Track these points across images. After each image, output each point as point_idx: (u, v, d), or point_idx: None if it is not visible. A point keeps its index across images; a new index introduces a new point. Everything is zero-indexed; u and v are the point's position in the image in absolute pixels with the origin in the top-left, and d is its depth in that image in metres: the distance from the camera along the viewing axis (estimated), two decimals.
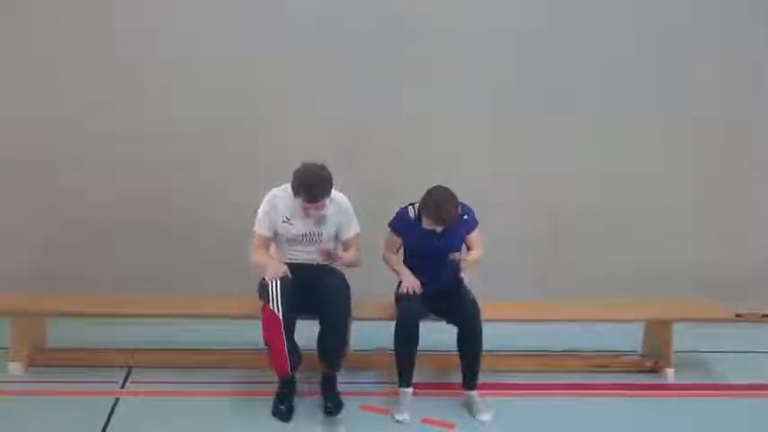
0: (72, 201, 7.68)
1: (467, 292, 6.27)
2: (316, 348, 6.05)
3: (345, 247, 6.31)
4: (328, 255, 6.18)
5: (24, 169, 7.63)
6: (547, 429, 6.04)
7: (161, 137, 7.59)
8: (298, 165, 6.00)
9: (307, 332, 6.08)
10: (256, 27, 7.51)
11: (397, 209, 6.35)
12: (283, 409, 6.01)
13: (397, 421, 5.99)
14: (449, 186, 6.09)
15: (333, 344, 6.02)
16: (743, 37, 7.78)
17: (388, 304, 6.36)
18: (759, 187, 8.06)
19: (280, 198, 6.13)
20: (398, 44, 7.59)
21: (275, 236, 6.20)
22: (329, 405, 5.98)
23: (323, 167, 5.99)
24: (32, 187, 7.69)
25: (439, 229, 6.08)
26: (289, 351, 5.89)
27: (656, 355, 6.86)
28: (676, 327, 6.72)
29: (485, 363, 6.21)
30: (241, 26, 7.50)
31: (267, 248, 6.23)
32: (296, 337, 5.98)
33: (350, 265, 6.32)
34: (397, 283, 6.39)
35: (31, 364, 6.56)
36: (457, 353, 6.20)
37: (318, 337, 6.04)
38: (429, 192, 6.08)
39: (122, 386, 6.38)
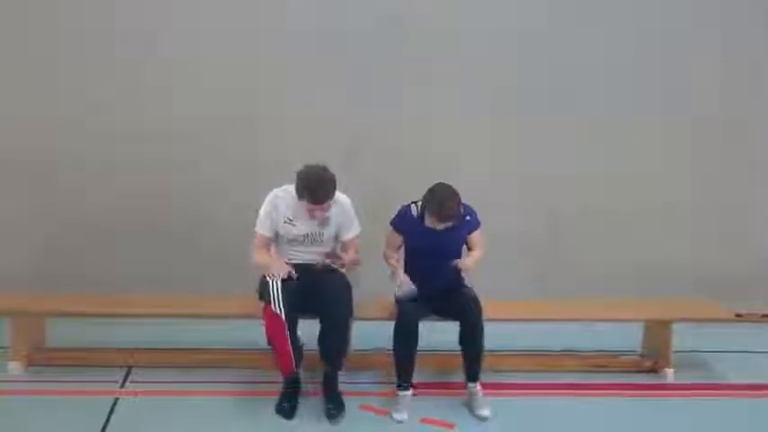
0: (72, 201, 7.68)
1: (468, 289, 6.29)
2: (317, 348, 6.06)
3: (345, 248, 6.32)
4: (335, 258, 6.20)
5: (24, 169, 7.63)
6: (546, 429, 6.05)
7: (161, 137, 7.59)
8: (298, 165, 6.00)
9: (308, 331, 6.09)
10: (256, 27, 7.51)
11: (397, 209, 6.34)
12: (287, 407, 6.04)
13: (396, 421, 5.99)
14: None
15: (334, 344, 6.03)
16: (743, 37, 7.76)
17: (388, 304, 6.36)
18: (759, 187, 8.05)
19: (281, 198, 6.14)
20: (398, 44, 7.58)
21: (276, 236, 6.21)
22: (330, 407, 6.00)
23: (325, 169, 6.00)
24: (32, 187, 7.69)
25: (441, 226, 6.08)
26: (292, 350, 5.89)
27: (655, 355, 6.86)
28: (676, 327, 6.72)
29: (484, 362, 6.20)
30: (241, 26, 7.50)
31: (268, 249, 6.24)
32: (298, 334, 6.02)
33: (350, 267, 6.32)
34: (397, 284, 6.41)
35: (30, 363, 6.57)
36: (457, 352, 6.20)
37: (319, 336, 6.05)
38: (432, 189, 6.08)
39: (122, 386, 6.39)
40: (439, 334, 6.28)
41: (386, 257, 6.39)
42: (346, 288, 6.21)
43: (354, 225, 6.29)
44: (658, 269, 7.91)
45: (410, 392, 6.14)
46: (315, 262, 6.22)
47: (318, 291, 6.04)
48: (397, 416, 6.02)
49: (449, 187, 6.07)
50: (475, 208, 6.32)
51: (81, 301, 6.63)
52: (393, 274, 6.32)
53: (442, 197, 6.02)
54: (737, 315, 7.05)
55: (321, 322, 6.04)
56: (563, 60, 7.68)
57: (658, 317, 6.80)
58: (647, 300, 7.06)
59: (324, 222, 6.14)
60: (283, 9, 7.53)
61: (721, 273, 7.87)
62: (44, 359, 6.65)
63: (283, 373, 6.06)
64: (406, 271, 6.35)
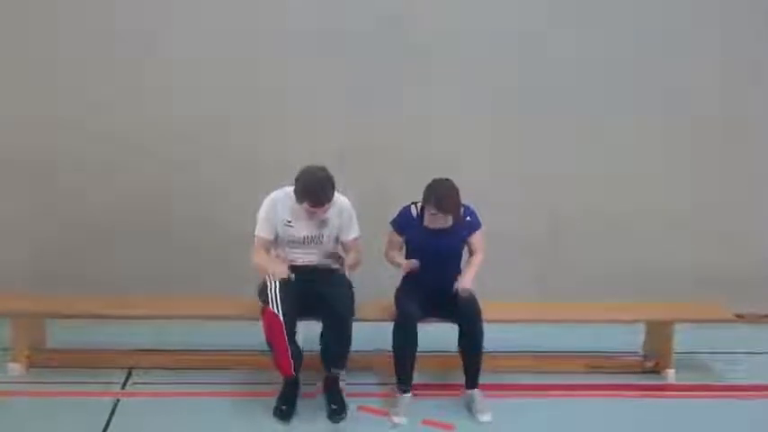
0: (72, 201, 7.67)
1: (466, 290, 6.29)
2: (318, 349, 6.07)
3: (345, 249, 6.33)
4: (336, 258, 6.21)
5: (24, 169, 7.62)
6: (547, 430, 6.05)
7: (161, 137, 7.59)
8: (298, 165, 6.01)
9: (308, 333, 6.08)
10: (256, 27, 7.50)
11: (397, 209, 6.35)
12: (284, 410, 6.02)
13: (394, 425, 5.98)
14: None
15: (335, 345, 6.03)
16: (743, 37, 7.76)
17: (388, 305, 6.36)
18: (759, 187, 8.06)
19: (280, 201, 6.14)
20: (398, 44, 7.57)
21: (276, 238, 6.20)
22: (334, 407, 6.00)
23: (324, 170, 6.00)
24: (32, 187, 7.67)
25: (441, 221, 6.07)
26: (291, 352, 5.89)
27: (656, 356, 6.86)
28: (677, 327, 6.73)
29: (484, 363, 6.21)
30: (241, 26, 7.48)
31: (268, 251, 6.24)
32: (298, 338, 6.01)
33: (350, 268, 6.32)
34: (398, 285, 6.41)
35: (31, 364, 6.57)
36: (457, 353, 6.21)
37: (321, 338, 6.06)
38: (430, 184, 6.10)
39: (123, 387, 6.40)
40: (439, 334, 6.28)
41: (389, 258, 6.39)
42: (347, 289, 6.22)
43: (354, 226, 6.29)
44: (658, 269, 7.91)
45: (410, 395, 6.14)
46: (315, 264, 6.22)
47: (319, 292, 6.03)
48: (395, 419, 6.01)
49: (447, 181, 6.09)
50: (475, 208, 6.31)
51: (81, 301, 6.64)
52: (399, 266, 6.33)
53: (441, 190, 6.05)
54: (738, 315, 7.04)
55: (323, 324, 6.05)
56: (563, 60, 7.68)
57: (659, 318, 6.80)
58: (648, 301, 7.04)
59: (323, 224, 6.14)
60: (283, 9, 7.52)
61: (722, 273, 7.86)
62: (45, 360, 6.65)
63: (282, 373, 6.05)
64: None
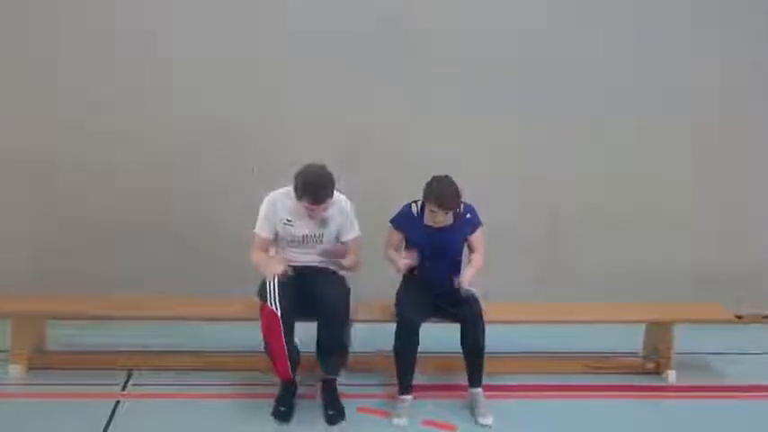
0: (72, 201, 7.67)
1: (467, 290, 6.30)
2: (315, 352, 6.07)
3: (345, 249, 6.32)
4: (336, 254, 6.20)
5: (24, 169, 7.62)
6: (547, 431, 6.05)
7: (161, 137, 7.59)
8: (298, 165, 6.00)
9: (306, 335, 6.09)
10: (256, 27, 7.50)
11: (397, 209, 6.35)
12: (283, 411, 6.01)
13: (397, 427, 5.98)
14: None
15: (332, 348, 6.04)
16: (743, 37, 7.77)
17: (388, 305, 6.35)
18: (759, 187, 8.07)
19: (279, 200, 6.14)
20: (398, 44, 7.57)
21: (276, 237, 6.21)
22: (332, 412, 5.99)
23: (324, 168, 6.00)
24: (32, 187, 7.67)
25: (441, 217, 6.07)
26: (289, 354, 5.89)
27: (657, 357, 6.87)
28: (677, 328, 6.73)
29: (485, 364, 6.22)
30: (241, 26, 7.49)
31: (267, 251, 6.25)
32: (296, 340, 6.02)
33: (349, 268, 6.32)
34: (399, 284, 6.42)
35: (31, 366, 6.55)
36: (457, 354, 6.21)
37: (317, 341, 6.06)
38: (430, 181, 6.11)
39: (123, 388, 6.38)
40: (440, 335, 6.28)
41: (387, 257, 6.38)
42: (345, 291, 6.22)
43: (354, 226, 6.29)
44: (658, 269, 7.93)
45: (411, 396, 6.14)
46: (314, 264, 6.22)
47: (317, 293, 6.03)
48: (397, 421, 6.00)
49: (446, 177, 6.10)
50: (475, 206, 6.32)
51: (81, 302, 6.63)
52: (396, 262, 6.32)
53: (440, 187, 6.05)
54: (738, 316, 7.05)
55: (319, 326, 6.04)
56: (563, 60, 7.67)
57: (659, 318, 6.80)
58: (648, 301, 7.04)
59: (323, 223, 6.14)
60: (283, 9, 7.52)
61: (722, 273, 7.88)
62: (45, 362, 6.63)
63: (279, 375, 6.06)
64: (407, 271, 6.38)
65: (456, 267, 6.36)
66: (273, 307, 5.85)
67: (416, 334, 6.07)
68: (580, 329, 7.06)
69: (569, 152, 7.82)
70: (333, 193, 6.00)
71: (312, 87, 7.59)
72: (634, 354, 7.04)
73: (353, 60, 7.57)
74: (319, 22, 7.51)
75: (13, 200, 7.67)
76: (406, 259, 6.20)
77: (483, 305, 6.14)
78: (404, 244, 6.36)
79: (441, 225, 6.16)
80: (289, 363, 5.92)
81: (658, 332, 6.85)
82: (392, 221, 6.35)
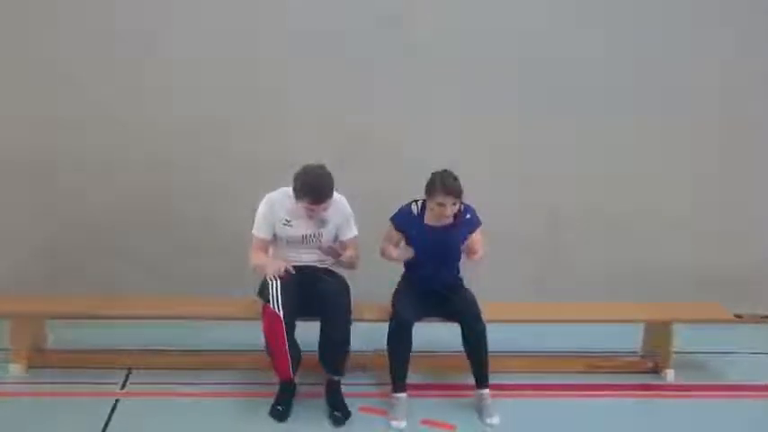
0: (72, 201, 7.67)
1: (466, 290, 6.30)
2: (317, 352, 6.07)
3: (344, 249, 6.31)
4: (333, 252, 6.20)
5: (24, 169, 7.61)
6: (547, 431, 6.06)
7: (161, 137, 7.59)
8: (298, 165, 6.01)
9: (306, 335, 6.09)
10: (256, 27, 7.49)
11: (396, 209, 6.36)
12: (280, 410, 6.03)
13: (395, 430, 5.97)
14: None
15: (334, 347, 6.04)
16: (743, 37, 7.75)
17: (387, 305, 6.35)
18: (759, 187, 8.06)
19: (278, 201, 6.15)
20: (398, 44, 7.57)
21: (274, 238, 6.21)
22: (337, 413, 6.00)
23: (323, 167, 6.01)
24: (32, 187, 7.67)
25: (446, 211, 6.08)
26: (290, 355, 5.90)
27: (656, 356, 6.87)
28: (676, 327, 6.73)
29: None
30: (241, 26, 7.48)
31: (266, 251, 6.25)
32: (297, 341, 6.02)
33: (348, 265, 6.33)
34: (398, 283, 6.42)
35: (31, 365, 6.56)
36: (456, 352, 6.23)
37: (319, 341, 6.06)
38: (431, 176, 6.16)
39: (122, 387, 6.39)
40: (438, 334, 6.32)
41: (383, 252, 6.38)
42: (345, 290, 6.23)
43: (353, 226, 6.30)
44: (658, 269, 7.93)
45: (405, 395, 6.12)
46: (314, 263, 6.23)
47: (317, 293, 6.05)
48: (394, 423, 5.98)
49: (446, 170, 6.15)
50: (474, 208, 6.33)
51: (81, 302, 6.63)
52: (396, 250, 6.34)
53: (443, 176, 6.10)
54: (738, 316, 7.06)
55: (321, 326, 6.04)
56: (563, 60, 7.67)
57: (659, 318, 6.80)
58: (648, 301, 7.04)
59: (322, 223, 6.14)
60: (283, 9, 7.51)
61: (721, 273, 7.88)
62: (44, 361, 6.64)
63: (280, 376, 6.07)
64: (406, 270, 6.39)
65: (455, 267, 6.38)
66: (276, 308, 5.85)
67: (410, 333, 6.08)
68: (580, 329, 7.05)
69: (569, 152, 7.81)
70: (332, 192, 6.01)
71: (312, 87, 7.58)
72: (633, 353, 7.05)
73: (353, 60, 7.56)
74: (319, 22, 7.50)
75: (13, 200, 7.66)
76: (401, 255, 6.22)
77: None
78: (402, 243, 6.37)
79: (446, 219, 6.17)
80: (289, 362, 5.93)
81: (657, 331, 6.85)
82: (392, 220, 6.36)
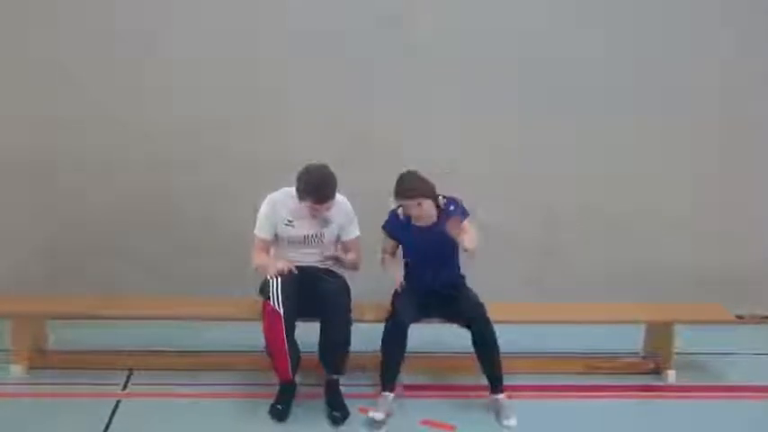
0: (72, 201, 7.67)
1: (469, 290, 6.30)
2: (317, 352, 6.07)
3: (345, 249, 6.34)
4: (335, 260, 6.22)
5: (24, 169, 7.61)
6: (547, 431, 6.05)
7: (161, 137, 7.58)
8: (298, 165, 6.02)
9: (306, 335, 6.09)
10: (256, 27, 7.49)
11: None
12: (279, 409, 6.02)
13: (373, 420, 5.94)
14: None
15: (334, 347, 6.04)
16: (743, 37, 7.75)
17: (387, 306, 6.35)
18: (759, 187, 8.05)
19: (280, 201, 6.15)
20: (398, 44, 7.56)
21: (276, 238, 6.21)
22: (336, 414, 6.00)
23: (326, 167, 6.02)
24: (32, 187, 7.66)
25: (414, 210, 6.13)
26: (290, 355, 5.90)
27: (657, 357, 6.87)
28: (677, 328, 6.73)
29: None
30: (241, 26, 7.47)
31: (268, 252, 6.25)
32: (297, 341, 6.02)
33: (351, 267, 6.34)
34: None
35: (31, 366, 6.55)
36: (457, 353, 6.29)
37: (320, 341, 6.06)
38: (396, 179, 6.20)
39: (123, 388, 6.39)
40: (438, 334, 6.33)
41: (384, 267, 6.42)
42: (345, 291, 6.23)
43: (355, 226, 6.31)
44: (658, 270, 7.92)
45: (392, 395, 6.09)
46: (315, 264, 6.23)
47: (318, 293, 6.05)
48: (373, 414, 5.96)
49: (408, 171, 6.23)
50: (474, 208, 6.35)
51: (81, 302, 6.64)
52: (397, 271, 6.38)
53: (400, 180, 6.17)
54: (738, 316, 7.06)
55: (321, 326, 6.05)
56: (563, 60, 7.66)
57: (659, 318, 6.80)
58: (648, 302, 7.05)
59: (325, 223, 6.14)
60: (283, 9, 7.51)
61: (721, 273, 7.87)
62: (45, 362, 6.64)
63: (279, 376, 6.07)
64: (407, 272, 6.41)
65: (453, 265, 6.38)
66: (276, 306, 5.85)
67: (405, 334, 6.08)
68: (580, 329, 7.06)
69: (569, 152, 7.80)
70: (335, 192, 6.01)
71: (312, 87, 7.58)
72: (634, 354, 7.05)
73: (353, 60, 7.56)
74: (319, 22, 7.49)
75: (13, 200, 7.66)
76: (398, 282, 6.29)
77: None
78: (398, 248, 6.39)
79: (421, 220, 6.22)
80: (289, 363, 5.93)
81: (658, 332, 6.85)
82: (383, 228, 6.42)
